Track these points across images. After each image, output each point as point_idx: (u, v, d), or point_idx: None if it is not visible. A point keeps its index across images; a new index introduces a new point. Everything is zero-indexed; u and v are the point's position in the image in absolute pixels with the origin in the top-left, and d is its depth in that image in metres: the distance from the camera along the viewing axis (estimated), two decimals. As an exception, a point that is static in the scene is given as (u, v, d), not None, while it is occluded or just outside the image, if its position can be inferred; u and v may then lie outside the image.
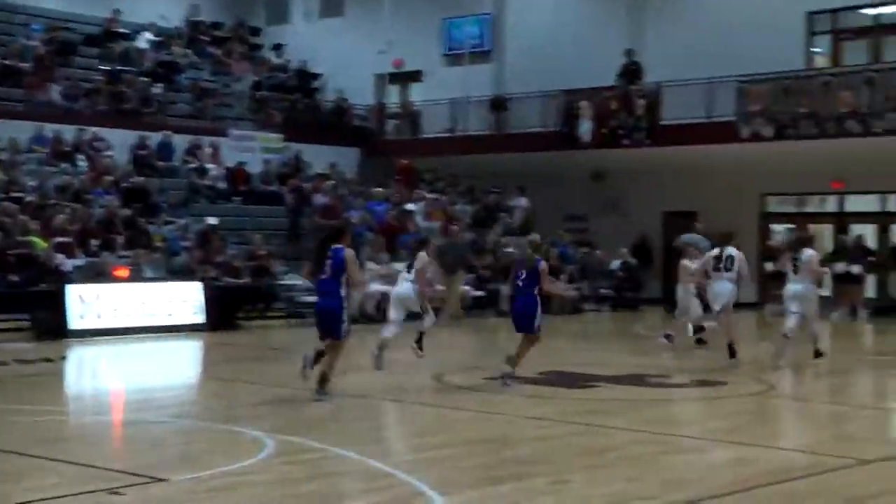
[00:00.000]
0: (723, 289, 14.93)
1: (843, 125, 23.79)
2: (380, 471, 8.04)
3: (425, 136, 30.69)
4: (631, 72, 27.30)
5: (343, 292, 11.30)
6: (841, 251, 24.19)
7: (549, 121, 27.97)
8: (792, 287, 14.52)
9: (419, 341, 13.61)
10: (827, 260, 19.63)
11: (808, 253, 14.61)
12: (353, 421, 10.59)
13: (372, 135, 31.64)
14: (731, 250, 14.97)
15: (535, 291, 12.57)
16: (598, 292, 26.37)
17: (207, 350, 17.66)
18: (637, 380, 13.25)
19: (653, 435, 9.76)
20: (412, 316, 13.78)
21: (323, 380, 11.32)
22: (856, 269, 23.34)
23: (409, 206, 25.97)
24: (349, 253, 11.36)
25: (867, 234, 25.52)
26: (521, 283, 12.65)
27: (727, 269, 14.85)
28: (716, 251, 15.17)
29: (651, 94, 26.69)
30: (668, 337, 16.71)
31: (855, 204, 26.63)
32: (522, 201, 28.25)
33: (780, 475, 8.05)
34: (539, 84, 27.87)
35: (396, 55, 31.22)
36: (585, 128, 27.20)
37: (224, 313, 19.79)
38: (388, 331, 13.47)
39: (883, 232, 26.23)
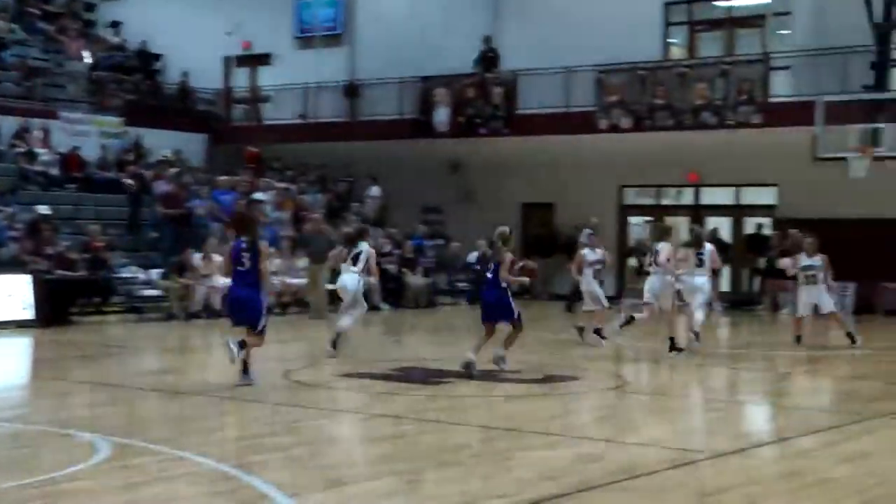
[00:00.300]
0: (653, 282, 15.35)
1: (699, 117, 23.91)
2: (222, 473, 7.75)
3: (276, 122, 29.72)
4: (489, 59, 26.95)
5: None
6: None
7: (405, 108, 27.41)
8: (697, 280, 15.66)
9: (336, 342, 14.21)
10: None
11: (709, 247, 16.05)
12: (193, 421, 10.20)
13: (219, 120, 30.54)
14: (661, 245, 15.47)
15: (505, 282, 12.98)
16: (455, 285, 25.89)
17: (37, 348, 16.79)
18: (490, 376, 12.98)
19: (506, 432, 9.67)
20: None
21: (245, 367, 11.67)
22: (711, 262, 23.46)
23: (258, 196, 24.98)
24: (263, 242, 12.01)
25: (722, 227, 25.69)
26: (490, 276, 13.02)
27: (656, 263, 15.35)
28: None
29: (508, 82, 26.34)
30: (597, 332, 16.44)
31: (710, 197, 26.76)
32: (374, 190, 27.61)
33: (634, 470, 8.04)
34: (394, 70, 27.21)
35: (245, 37, 30.11)
36: (442, 116, 26.79)
37: (56, 308, 18.90)
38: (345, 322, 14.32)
39: (737, 225, 26.45)
